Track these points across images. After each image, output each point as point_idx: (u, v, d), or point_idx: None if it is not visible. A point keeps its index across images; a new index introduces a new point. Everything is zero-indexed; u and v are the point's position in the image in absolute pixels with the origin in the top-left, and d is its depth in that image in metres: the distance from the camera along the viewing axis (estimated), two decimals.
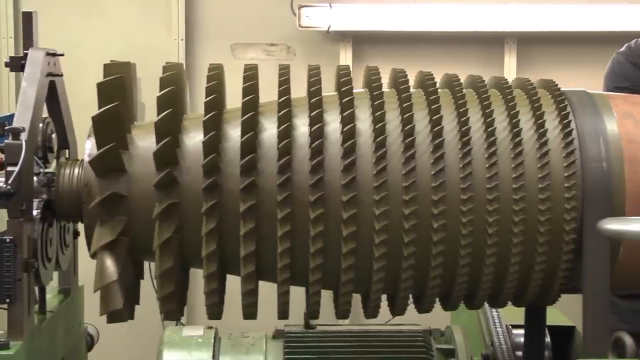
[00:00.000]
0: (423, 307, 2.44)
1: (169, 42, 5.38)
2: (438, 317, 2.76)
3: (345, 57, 5.38)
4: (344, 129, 2.24)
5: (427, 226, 2.23)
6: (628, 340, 1.68)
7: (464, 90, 2.40)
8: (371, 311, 2.41)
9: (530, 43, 5.47)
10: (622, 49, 3.40)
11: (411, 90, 2.40)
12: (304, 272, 2.29)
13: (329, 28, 5.22)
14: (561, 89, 2.45)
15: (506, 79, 2.47)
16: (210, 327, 2.78)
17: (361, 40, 5.44)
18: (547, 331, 2.91)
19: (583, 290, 2.26)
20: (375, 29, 5.31)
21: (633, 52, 3.33)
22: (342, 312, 2.40)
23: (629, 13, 5.15)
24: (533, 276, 2.32)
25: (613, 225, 1.63)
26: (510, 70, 5.43)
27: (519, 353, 2.87)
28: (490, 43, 5.46)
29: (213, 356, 2.66)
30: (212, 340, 2.70)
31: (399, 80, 2.39)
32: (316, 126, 2.23)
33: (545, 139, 2.28)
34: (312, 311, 2.42)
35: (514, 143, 2.27)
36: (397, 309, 2.42)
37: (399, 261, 2.26)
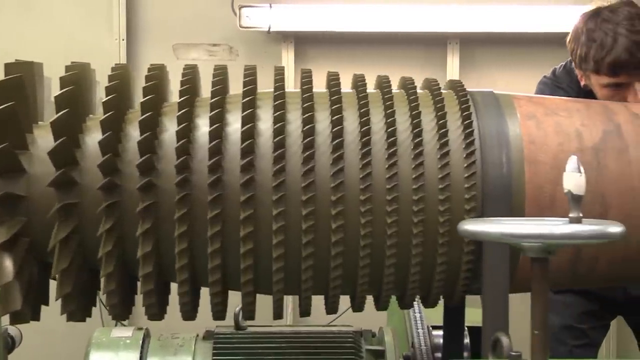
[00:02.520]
0: (329, 307, 2.43)
1: (110, 42, 5.37)
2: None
3: (288, 57, 5.39)
4: (243, 129, 2.23)
5: (326, 227, 2.23)
6: (505, 340, 1.68)
7: (367, 91, 2.40)
8: (276, 311, 2.40)
9: (473, 44, 5.50)
10: (548, 74, 3.45)
11: (317, 90, 2.40)
12: (205, 272, 2.28)
13: (269, 28, 5.22)
14: (467, 90, 2.44)
15: (411, 79, 2.46)
16: (140, 328, 2.77)
17: (304, 41, 5.44)
18: (467, 332, 2.90)
19: (482, 291, 2.26)
20: (318, 30, 5.31)
21: (558, 77, 3.38)
22: (247, 312, 2.38)
23: (568, 14, 5.18)
24: (435, 277, 2.32)
25: (469, 226, 1.63)
26: (452, 71, 5.46)
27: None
28: (432, 44, 5.48)
29: (140, 357, 2.65)
30: (141, 341, 2.69)
31: (302, 81, 2.39)
32: (215, 126, 2.22)
33: (446, 140, 2.27)
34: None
35: (414, 144, 2.27)
36: (302, 310, 2.41)
37: (299, 262, 2.25)
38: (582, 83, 3.16)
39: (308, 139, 2.24)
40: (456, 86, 2.45)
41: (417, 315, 3.06)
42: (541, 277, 1.59)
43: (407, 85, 2.44)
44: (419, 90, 2.46)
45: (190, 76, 2.37)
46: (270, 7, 5.18)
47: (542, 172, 2.27)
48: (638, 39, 2.96)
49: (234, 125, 2.28)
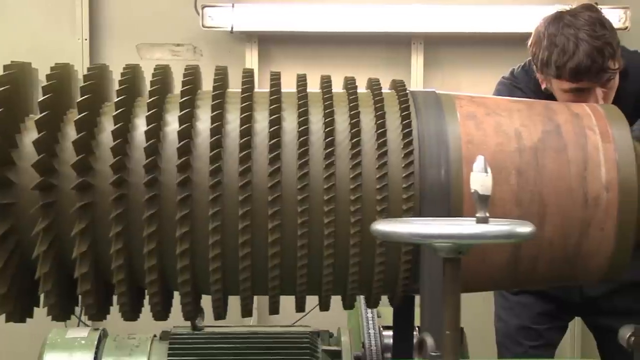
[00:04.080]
0: (271, 307, 2.43)
1: (73, 42, 5.33)
2: None
3: (251, 57, 5.37)
4: (180, 129, 2.22)
5: (263, 227, 2.22)
6: (429, 340, 1.68)
7: (307, 91, 2.40)
8: (216, 312, 2.39)
9: (437, 44, 5.50)
10: (506, 75, 3.46)
11: (258, 90, 2.40)
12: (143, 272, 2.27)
13: (232, 28, 5.21)
14: (409, 90, 2.44)
15: (352, 79, 2.46)
16: (96, 329, 2.77)
17: (267, 41, 5.43)
18: (417, 332, 2.90)
19: (420, 292, 2.26)
20: (281, 30, 5.30)
21: (516, 78, 3.38)
22: (186, 312, 2.38)
23: (532, 14, 5.19)
24: (374, 277, 2.32)
25: (381, 226, 1.63)
26: (417, 70, 5.46)
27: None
28: (397, 44, 5.48)
29: (95, 358, 2.65)
30: (96, 342, 2.70)
31: (243, 81, 2.39)
32: (151, 126, 2.22)
33: (384, 140, 2.27)
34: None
35: (352, 144, 2.26)
36: (243, 310, 2.41)
37: (236, 262, 2.25)
38: (543, 86, 3.16)
39: (245, 139, 2.23)
40: (398, 86, 2.45)
41: (369, 315, 3.05)
42: (453, 277, 1.59)
43: (348, 85, 2.44)
44: (361, 91, 2.46)
45: (129, 76, 2.36)
46: (233, 7, 5.16)
47: None
48: (599, 44, 2.97)
49: (173, 125, 2.28)
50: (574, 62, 2.95)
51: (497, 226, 1.56)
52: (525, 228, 1.56)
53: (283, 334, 2.83)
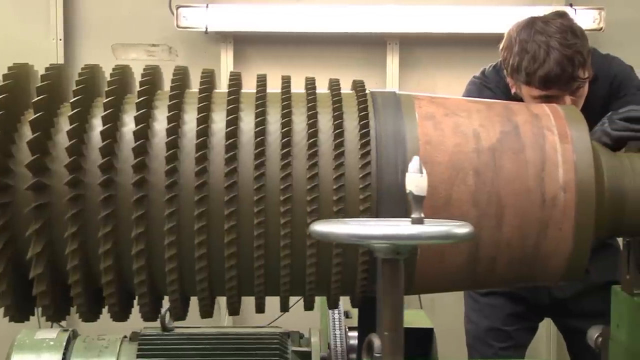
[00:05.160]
0: (230, 307, 2.42)
1: (47, 42, 5.33)
2: None
3: (227, 58, 5.37)
4: (135, 129, 2.22)
5: (219, 227, 2.22)
6: (376, 341, 1.68)
7: (267, 92, 2.39)
8: (174, 312, 2.39)
9: (413, 44, 5.52)
10: (477, 74, 3.46)
11: (218, 91, 2.40)
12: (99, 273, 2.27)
13: (206, 29, 5.20)
14: (368, 90, 2.44)
15: (312, 80, 2.45)
16: (66, 330, 2.77)
17: (243, 41, 5.44)
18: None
19: (377, 293, 2.25)
20: (256, 30, 5.30)
21: (487, 77, 3.38)
22: (144, 313, 2.37)
23: (507, 15, 5.20)
24: (332, 278, 2.32)
25: (319, 226, 1.63)
26: (392, 71, 5.48)
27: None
28: (372, 44, 5.50)
29: (63, 359, 2.65)
30: (64, 343, 2.69)
31: (201, 81, 2.38)
32: (107, 126, 2.21)
33: (341, 140, 2.27)
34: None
35: (308, 144, 2.26)
36: (201, 311, 2.40)
37: (192, 262, 2.24)
38: (513, 91, 3.17)
39: (201, 139, 2.23)
40: (357, 87, 2.45)
41: (335, 316, 3.05)
42: (392, 278, 1.59)
43: (308, 86, 2.44)
44: (322, 91, 2.45)
45: (87, 76, 2.35)
46: (207, 7, 5.17)
47: (437, 172, 2.27)
48: (570, 53, 2.97)
49: (130, 125, 2.27)
50: (544, 70, 2.96)
51: (433, 227, 1.56)
52: (462, 229, 1.56)
53: (253, 335, 2.82)
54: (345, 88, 2.51)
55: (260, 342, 2.77)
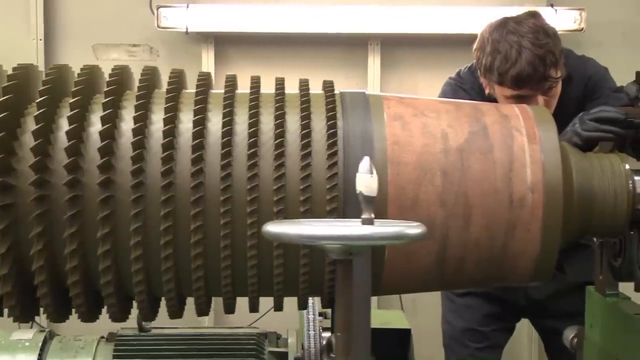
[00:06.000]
0: (197, 308, 2.42)
1: (27, 42, 5.31)
2: None
3: (208, 58, 5.37)
4: (101, 129, 2.21)
5: (185, 227, 2.21)
6: (334, 341, 1.68)
7: (235, 92, 2.39)
8: (142, 313, 2.38)
9: (394, 45, 5.52)
10: (453, 75, 3.47)
11: (186, 91, 2.39)
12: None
13: (187, 29, 5.20)
14: (339, 91, 2.43)
15: (282, 80, 2.45)
16: (43, 330, 2.76)
17: (224, 42, 5.43)
18: None
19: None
20: (237, 30, 5.30)
21: (462, 78, 3.39)
22: (112, 314, 2.37)
23: (488, 16, 5.19)
24: (300, 279, 2.31)
25: (272, 227, 1.63)
26: (374, 71, 5.47)
27: None
28: (354, 45, 5.49)
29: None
30: (40, 344, 2.69)
31: (169, 81, 2.38)
32: (73, 126, 2.20)
33: (308, 141, 2.26)
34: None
35: (275, 144, 2.25)
36: (169, 312, 2.40)
37: (159, 263, 2.24)
38: (487, 91, 3.17)
39: (167, 140, 2.22)
40: (326, 87, 2.45)
41: (310, 317, 3.05)
42: (344, 279, 1.58)
43: (277, 86, 2.43)
44: (291, 92, 2.45)
45: (55, 76, 2.34)
46: (187, 7, 5.16)
47: (404, 173, 2.27)
48: (541, 53, 2.98)
49: (96, 125, 2.27)
50: (516, 70, 2.97)
51: (383, 228, 1.56)
52: (414, 230, 1.55)
53: (230, 336, 2.82)
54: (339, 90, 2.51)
55: (237, 343, 2.77)
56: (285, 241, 1.88)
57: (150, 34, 5.36)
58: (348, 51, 5.51)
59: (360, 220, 1.59)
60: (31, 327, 3.61)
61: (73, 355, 2.71)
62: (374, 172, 1.56)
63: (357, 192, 1.57)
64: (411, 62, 5.55)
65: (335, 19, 5.33)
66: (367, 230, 1.54)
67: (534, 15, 3.13)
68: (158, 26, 5.19)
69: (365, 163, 1.58)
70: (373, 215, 1.55)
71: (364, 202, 1.56)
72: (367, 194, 1.55)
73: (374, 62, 5.48)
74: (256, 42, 5.44)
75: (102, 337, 2.80)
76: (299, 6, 5.30)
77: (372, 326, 3.12)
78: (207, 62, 5.36)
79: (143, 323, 2.80)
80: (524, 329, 5.08)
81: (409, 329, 3.32)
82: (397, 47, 5.52)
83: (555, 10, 5.36)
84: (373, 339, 3.08)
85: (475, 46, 3.17)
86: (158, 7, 5.17)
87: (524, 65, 2.96)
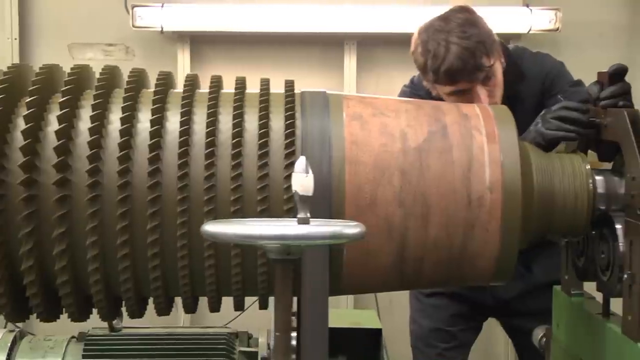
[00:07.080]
0: (157, 308, 2.42)
1: (2, 42, 5.29)
2: None
3: (183, 58, 5.36)
4: (56, 129, 2.22)
5: (142, 227, 2.22)
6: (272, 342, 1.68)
7: (195, 92, 2.39)
8: (101, 313, 2.38)
9: (370, 44, 5.51)
10: (407, 83, 3.50)
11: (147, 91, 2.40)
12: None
13: (162, 28, 5.18)
14: (300, 90, 2.43)
15: (242, 79, 2.45)
16: (12, 330, 2.76)
17: (200, 41, 5.42)
18: None
19: (302, 293, 2.24)
20: (213, 30, 5.29)
21: (416, 85, 3.41)
22: (71, 314, 2.37)
23: None
24: (259, 278, 2.31)
25: (209, 227, 1.62)
26: (350, 71, 5.46)
27: None
28: (330, 44, 5.48)
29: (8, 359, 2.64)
30: (9, 344, 2.70)
31: (128, 80, 2.38)
32: (29, 125, 2.20)
33: (266, 140, 2.26)
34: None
35: (233, 144, 2.25)
36: (128, 312, 2.40)
37: (116, 262, 2.24)
38: (434, 93, 3.18)
39: (124, 139, 2.22)
40: (287, 86, 2.44)
41: None
42: (283, 278, 1.58)
43: (237, 86, 2.43)
44: (251, 91, 2.45)
45: (10, 75, 2.33)
46: (162, 6, 5.14)
47: (362, 172, 2.27)
48: (469, 44, 2.99)
49: (53, 125, 2.26)
50: (446, 65, 2.98)
51: (320, 227, 1.56)
52: (351, 229, 1.55)
53: (201, 335, 2.84)
54: (300, 89, 2.50)
55: (207, 343, 2.79)
56: (221, 241, 1.88)
57: (126, 34, 5.34)
58: (324, 51, 5.49)
59: (294, 219, 1.59)
60: (5, 327, 3.61)
61: (42, 355, 2.73)
62: (310, 171, 1.56)
63: (293, 191, 1.57)
64: (388, 61, 5.54)
65: (311, 19, 5.32)
66: (303, 229, 1.53)
67: (463, 9, 3.13)
68: (133, 25, 5.17)
69: (300, 162, 1.58)
70: (309, 215, 1.55)
71: (299, 202, 1.56)
72: (303, 193, 1.55)
73: (350, 62, 5.47)
74: (232, 42, 5.43)
75: (73, 337, 2.80)
76: (274, 6, 5.29)
77: (343, 326, 3.14)
78: (183, 61, 5.34)
79: (114, 322, 2.80)
80: (500, 328, 5.08)
81: (380, 328, 3.32)
82: (374, 47, 5.51)
83: (531, 10, 5.37)
84: (344, 338, 3.10)
85: (410, 50, 3.19)
86: (133, 7, 5.15)
87: (453, 59, 2.97)
